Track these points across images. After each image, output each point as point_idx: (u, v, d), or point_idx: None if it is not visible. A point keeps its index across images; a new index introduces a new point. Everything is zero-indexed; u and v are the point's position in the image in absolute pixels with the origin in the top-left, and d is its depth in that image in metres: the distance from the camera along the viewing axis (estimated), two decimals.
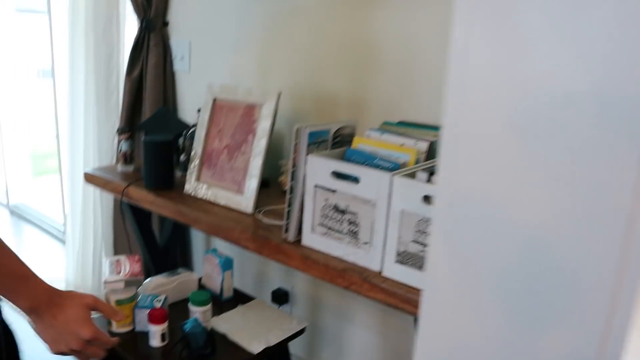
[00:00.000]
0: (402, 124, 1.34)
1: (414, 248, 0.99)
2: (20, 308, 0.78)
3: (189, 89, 1.94)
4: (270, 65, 1.67)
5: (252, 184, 1.34)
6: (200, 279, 1.57)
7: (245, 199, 1.35)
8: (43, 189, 3.78)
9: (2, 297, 0.80)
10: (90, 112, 2.00)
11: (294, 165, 1.13)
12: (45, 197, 3.57)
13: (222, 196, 1.40)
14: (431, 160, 1.14)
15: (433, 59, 1.33)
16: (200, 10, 1.83)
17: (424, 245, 0.98)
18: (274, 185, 1.59)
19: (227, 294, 1.46)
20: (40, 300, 0.79)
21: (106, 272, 1.22)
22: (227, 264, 1.42)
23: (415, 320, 1.15)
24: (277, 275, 1.87)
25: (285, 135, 1.67)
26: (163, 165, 1.49)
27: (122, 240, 2.07)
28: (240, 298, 1.52)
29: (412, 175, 1.01)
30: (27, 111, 3.59)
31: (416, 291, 0.99)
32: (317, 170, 1.10)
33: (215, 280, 1.46)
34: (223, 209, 1.38)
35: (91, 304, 0.84)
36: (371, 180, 1.02)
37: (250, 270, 1.93)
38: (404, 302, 1.00)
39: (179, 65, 1.91)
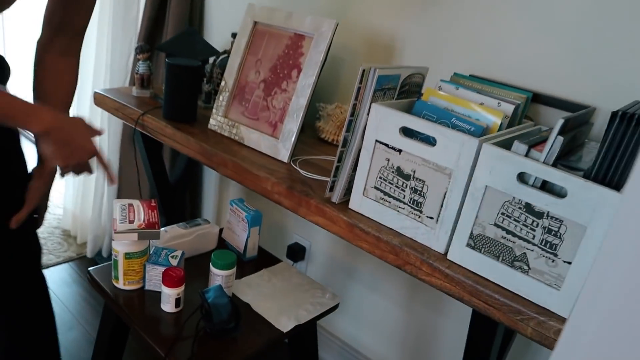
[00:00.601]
0: (474, 78, 1.13)
1: (493, 233, 0.82)
2: (35, 133, 0.87)
3: (219, 9, 1.70)
4: None
5: (291, 128, 1.15)
6: (220, 232, 1.39)
7: (281, 145, 1.16)
8: None
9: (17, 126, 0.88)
10: (104, 24, 1.76)
11: (352, 114, 0.94)
12: None
13: (253, 138, 1.21)
14: (517, 127, 0.95)
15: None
16: None
17: (508, 231, 0.80)
18: (309, 131, 1.39)
19: (251, 253, 1.28)
20: (53, 124, 0.86)
21: (116, 217, 1.03)
22: (255, 220, 1.24)
23: (476, 314, 0.99)
24: (294, 227, 1.70)
25: (327, 75, 1.45)
26: (188, 94, 1.28)
27: (128, 175, 1.89)
28: (264, 259, 1.34)
29: (503, 145, 0.82)
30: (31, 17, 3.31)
31: (488, 283, 0.82)
32: (382, 123, 0.90)
33: (239, 236, 1.28)
34: (253, 152, 1.19)
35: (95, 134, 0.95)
36: (452, 144, 0.83)
37: (265, 219, 1.76)
38: (470, 294, 0.83)
39: None
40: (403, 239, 0.91)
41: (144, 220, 1.03)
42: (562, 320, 0.77)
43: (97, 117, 1.88)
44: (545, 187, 0.78)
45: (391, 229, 0.93)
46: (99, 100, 1.50)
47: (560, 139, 0.75)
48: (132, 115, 1.37)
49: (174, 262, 1.05)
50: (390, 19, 1.31)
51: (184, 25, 1.64)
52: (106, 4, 1.74)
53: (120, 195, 1.96)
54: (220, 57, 1.40)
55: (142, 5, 1.73)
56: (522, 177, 0.78)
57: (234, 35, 1.44)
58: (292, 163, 1.15)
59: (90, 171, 1.03)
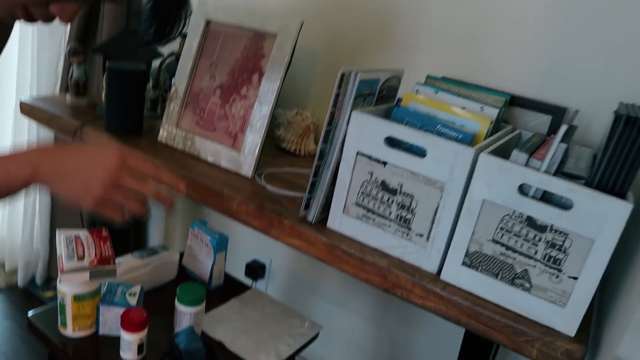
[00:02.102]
0: (446, 80, 1.07)
1: (491, 249, 0.75)
2: (27, 184, 0.64)
3: None
4: None
5: (254, 138, 1.04)
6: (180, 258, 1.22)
7: (243, 158, 1.05)
8: None
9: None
10: (27, 29, 1.57)
11: (330, 124, 0.85)
12: None
13: (210, 150, 1.09)
14: (504, 132, 0.90)
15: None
16: None
17: (507, 247, 0.74)
18: (268, 139, 1.28)
19: (217, 281, 1.16)
20: (39, 159, 0.65)
21: (61, 252, 0.87)
22: (221, 244, 1.11)
23: (470, 335, 0.92)
24: (251, 243, 1.59)
25: (291, 79, 1.35)
26: (133, 103, 1.15)
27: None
28: (231, 286, 1.21)
29: (498, 153, 0.76)
30: None
31: (487, 304, 0.76)
32: (365, 133, 0.82)
33: (202, 263, 1.15)
34: (211, 167, 1.08)
35: None
36: (444, 155, 0.76)
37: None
38: (469, 316, 0.77)
39: None
40: (390, 259, 0.83)
41: (95, 256, 0.88)
42: (569, 339, 0.72)
43: (23, 131, 1.68)
44: (544, 197, 0.73)
45: (376, 249, 0.85)
46: (27, 110, 1.33)
47: (563, 146, 0.70)
48: (69, 127, 1.21)
49: (133, 301, 0.91)
50: (353, 17, 1.23)
51: (122, 23, 1.48)
52: None
53: (56, 219, 1.76)
54: (167, 61, 1.26)
55: None
56: (522, 189, 0.72)
57: (184, 36, 1.31)
58: (256, 178, 1.05)
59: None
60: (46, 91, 1.63)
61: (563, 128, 0.70)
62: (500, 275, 0.75)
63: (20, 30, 1.59)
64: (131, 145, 1.12)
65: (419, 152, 0.79)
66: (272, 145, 1.27)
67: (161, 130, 1.16)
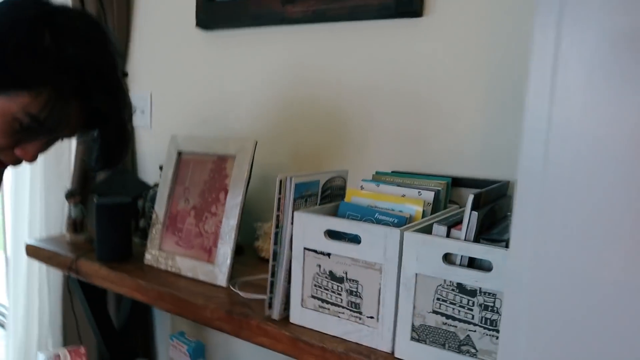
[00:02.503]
0: (396, 173, 1.17)
1: (433, 320, 0.79)
2: None
3: (150, 147, 1.74)
4: (238, 116, 1.50)
5: (225, 250, 1.13)
6: None
7: (217, 270, 1.13)
8: None
9: None
10: (37, 176, 1.77)
11: (277, 226, 0.94)
12: None
13: (189, 267, 1.18)
14: (441, 212, 0.97)
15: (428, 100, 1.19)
16: (162, 58, 1.67)
17: (447, 316, 0.78)
18: (249, 252, 1.37)
19: None
20: None
21: None
22: (197, 351, 1.17)
23: None
24: (231, 350, 1.61)
25: (260, 194, 1.47)
26: (119, 233, 1.26)
27: (72, 326, 1.78)
28: None
29: (425, 230, 0.83)
30: None
31: None
32: (307, 229, 0.90)
33: None
34: (191, 282, 1.16)
35: None
36: (376, 239, 0.83)
37: (219, 353, 1.67)
38: None
39: (140, 120, 1.72)
40: (348, 344, 0.87)
41: None
42: None
43: (34, 269, 1.82)
44: (474, 264, 0.78)
45: (335, 336, 0.89)
46: (32, 251, 1.46)
47: (475, 213, 0.77)
48: (65, 262, 1.32)
49: None
50: (310, 132, 1.37)
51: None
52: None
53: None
54: (151, 192, 1.40)
55: (74, 152, 1.75)
56: (449, 259, 0.78)
57: (161, 168, 1.46)
58: (231, 286, 1.12)
59: None
60: (54, 230, 1.78)
61: (470, 197, 0.77)
62: (447, 345, 0.79)
63: (31, 180, 1.79)
64: (119, 270, 1.21)
65: (356, 240, 0.86)
66: (253, 256, 1.35)
67: (146, 254, 1.26)
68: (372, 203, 0.97)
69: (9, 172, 1.45)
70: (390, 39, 1.23)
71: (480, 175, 1.14)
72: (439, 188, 1.00)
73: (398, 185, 1.00)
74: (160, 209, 1.26)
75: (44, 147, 0.87)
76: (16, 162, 0.84)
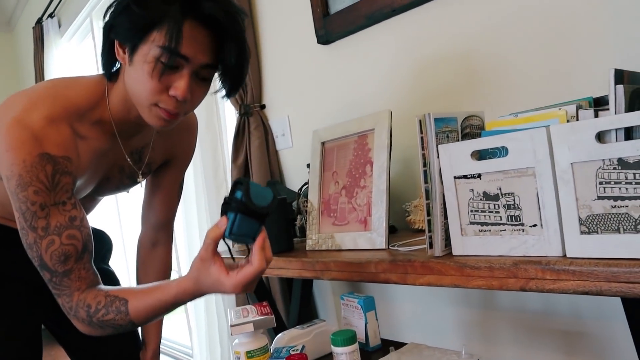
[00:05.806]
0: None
1: (601, 207, 0.77)
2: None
3: (294, 166, 1.90)
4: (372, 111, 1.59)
5: (380, 214, 1.19)
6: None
7: (375, 235, 1.19)
8: None
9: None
10: (202, 209, 2.00)
11: (424, 164, 0.98)
12: None
13: (348, 240, 1.25)
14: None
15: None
16: (292, 81, 1.85)
17: (615, 198, 0.76)
18: (403, 229, 1.42)
19: (374, 341, 1.23)
20: (190, 291, 0.93)
21: (231, 317, 1.07)
22: (368, 304, 1.21)
23: (627, 305, 0.87)
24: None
25: (404, 177, 1.53)
26: (280, 225, 1.39)
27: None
28: (389, 345, 1.27)
29: None
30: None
31: (621, 262, 0.75)
32: (454, 158, 0.94)
33: (357, 327, 1.25)
34: (352, 252, 1.23)
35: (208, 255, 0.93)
36: (523, 144, 0.84)
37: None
38: (608, 280, 0.75)
39: (282, 143, 1.90)
40: (516, 259, 0.87)
41: (257, 313, 1.06)
42: None
43: None
44: (631, 137, 0.75)
45: (501, 256, 0.90)
46: None
47: (620, 87, 0.76)
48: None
49: (296, 353, 1.04)
50: (442, 81, 1.42)
51: (265, 181, 1.83)
52: (200, 189, 1.99)
53: None
54: (304, 188, 1.52)
55: (229, 171, 1.96)
56: (602, 140, 0.77)
57: (308, 166, 1.59)
58: (390, 248, 1.17)
59: None
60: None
61: (610, 71, 0.76)
62: (621, 229, 0.76)
63: (197, 214, 2.03)
64: (284, 256, 1.32)
65: (504, 153, 0.88)
66: (407, 232, 1.39)
67: (307, 240, 1.36)
68: (513, 128, 0.98)
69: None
70: None
71: None
72: (581, 103, 0.98)
73: (538, 111, 1.01)
74: (313, 197, 1.37)
75: (193, 84, 0.94)
76: (175, 106, 0.93)
